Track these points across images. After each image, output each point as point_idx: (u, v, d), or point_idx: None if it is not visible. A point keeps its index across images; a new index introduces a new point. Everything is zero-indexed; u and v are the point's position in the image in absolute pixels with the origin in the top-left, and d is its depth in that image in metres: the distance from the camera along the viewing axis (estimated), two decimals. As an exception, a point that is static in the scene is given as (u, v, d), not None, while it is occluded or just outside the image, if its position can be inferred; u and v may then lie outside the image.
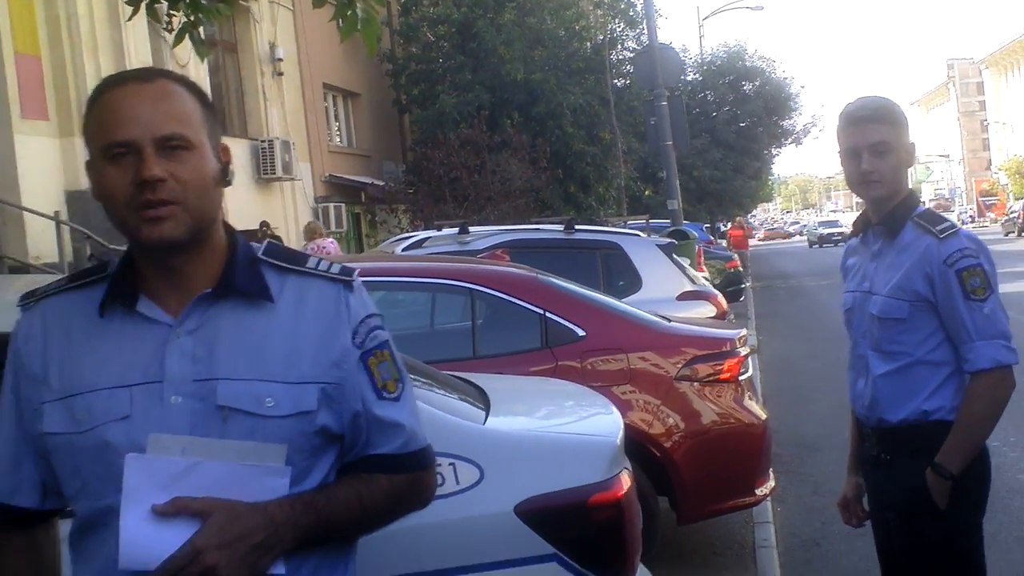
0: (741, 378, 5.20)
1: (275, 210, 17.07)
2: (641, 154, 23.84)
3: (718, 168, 33.09)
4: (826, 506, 6.05)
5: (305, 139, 18.88)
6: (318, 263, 1.72)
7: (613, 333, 5.14)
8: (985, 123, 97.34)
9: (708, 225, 32.38)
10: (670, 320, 5.58)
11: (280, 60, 18.13)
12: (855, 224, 3.11)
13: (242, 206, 15.16)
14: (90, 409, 1.60)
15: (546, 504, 2.41)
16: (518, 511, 2.38)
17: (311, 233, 14.60)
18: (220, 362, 1.60)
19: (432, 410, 2.39)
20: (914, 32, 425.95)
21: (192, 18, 5.80)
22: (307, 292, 1.68)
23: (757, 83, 36.01)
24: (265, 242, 1.75)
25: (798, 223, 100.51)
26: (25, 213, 11.51)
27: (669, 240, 9.32)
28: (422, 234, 9.85)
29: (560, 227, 8.76)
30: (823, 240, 55.50)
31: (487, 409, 2.77)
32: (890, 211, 2.90)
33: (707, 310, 7.88)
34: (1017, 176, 70.63)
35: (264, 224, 14.77)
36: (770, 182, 54.87)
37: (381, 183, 20.14)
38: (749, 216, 58.21)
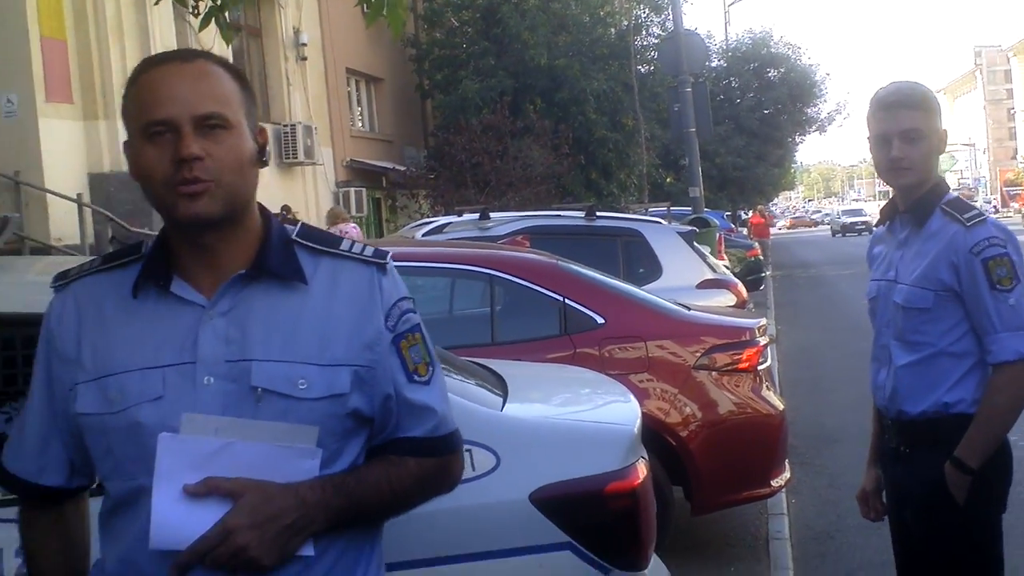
0: (760, 368, 5.19)
1: (296, 194, 17.12)
2: (664, 141, 23.72)
3: (741, 155, 32.86)
4: (841, 499, 6.04)
5: (327, 124, 18.90)
6: (351, 245, 1.72)
7: (632, 321, 5.13)
8: (1012, 111, 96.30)
9: (729, 213, 32.20)
10: (689, 308, 5.56)
11: (304, 45, 18.15)
12: (882, 212, 3.06)
13: (263, 190, 14.73)
14: (123, 390, 1.60)
15: (562, 492, 2.40)
16: (533, 499, 2.38)
17: (334, 218, 14.61)
18: (253, 343, 1.60)
19: (450, 396, 2.39)
20: (941, 19, 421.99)
21: (219, 2, 5.82)
22: (340, 274, 1.68)
23: (782, 70, 35.71)
24: (299, 224, 1.75)
25: (820, 212, 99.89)
26: (48, 195, 11.62)
27: (690, 228, 9.28)
28: (443, 219, 9.86)
29: (581, 214, 8.74)
30: (846, 229, 54.36)
31: (505, 396, 2.77)
32: (918, 199, 2.85)
33: (727, 299, 7.85)
34: (1043, 166, 69.87)
35: (285, 208, 14.81)
36: (792, 170, 54.39)
37: (402, 168, 20.16)
38: (771, 204, 57.85)
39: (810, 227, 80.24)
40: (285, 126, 17.06)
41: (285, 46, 17.87)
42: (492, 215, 8.64)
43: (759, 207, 35.66)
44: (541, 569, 2.36)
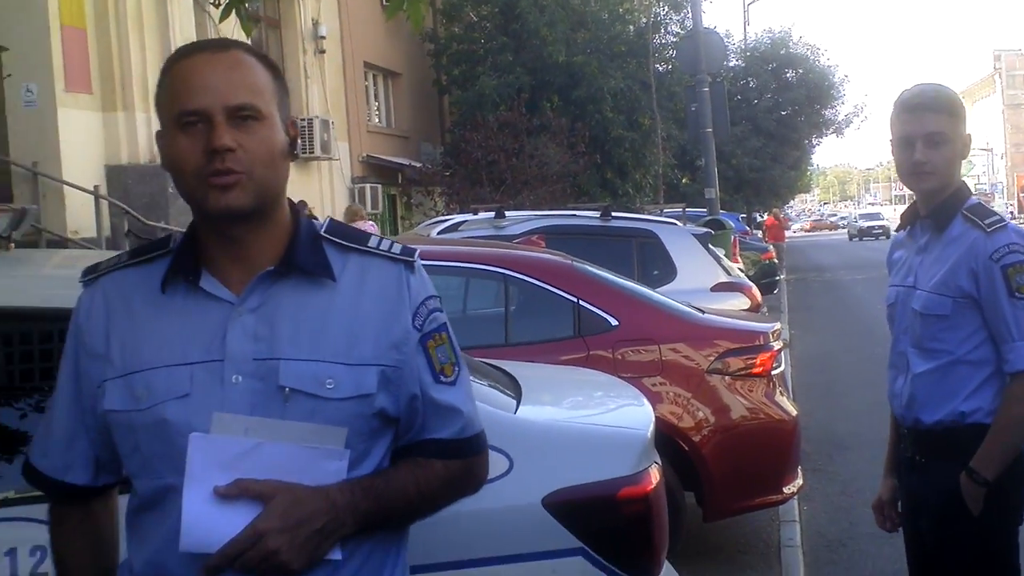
0: (773, 373, 5.16)
1: (312, 190, 17.10)
2: (680, 141, 23.66)
3: (757, 157, 32.72)
4: (854, 506, 6.00)
5: (344, 118, 18.88)
6: (379, 242, 1.70)
7: (646, 323, 5.11)
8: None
9: (744, 215, 32.08)
10: (704, 311, 5.54)
11: (323, 38, 18.14)
12: (903, 216, 3.02)
13: (279, 184, 15.17)
14: (150, 387, 1.59)
15: (574, 496, 2.38)
16: (546, 503, 2.36)
17: (352, 215, 14.59)
18: (282, 341, 1.58)
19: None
20: (961, 22, 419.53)
21: (241, -7, 5.81)
22: (368, 271, 1.66)
23: (801, 71, 35.56)
24: (327, 219, 1.74)
25: (836, 215, 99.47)
26: (65, 187, 11.62)
27: (705, 230, 9.25)
28: (458, 217, 9.85)
29: (596, 214, 8.73)
30: (863, 234, 53.43)
31: (518, 398, 2.75)
32: (939, 204, 2.81)
33: (741, 302, 7.82)
34: (1062, 172, 69.35)
35: (302, 204, 14.81)
36: (809, 172, 54.10)
37: (418, 165, 20.13)
38: (786, 207, 57.57)
39: (831, 230, 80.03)
40: (302, 120, 17.04)
41: (304, 38, 17.86)
42: (507, 214, 8.63)
43: (774, 209, 35.48)
44: (554, 575, 2.34)
